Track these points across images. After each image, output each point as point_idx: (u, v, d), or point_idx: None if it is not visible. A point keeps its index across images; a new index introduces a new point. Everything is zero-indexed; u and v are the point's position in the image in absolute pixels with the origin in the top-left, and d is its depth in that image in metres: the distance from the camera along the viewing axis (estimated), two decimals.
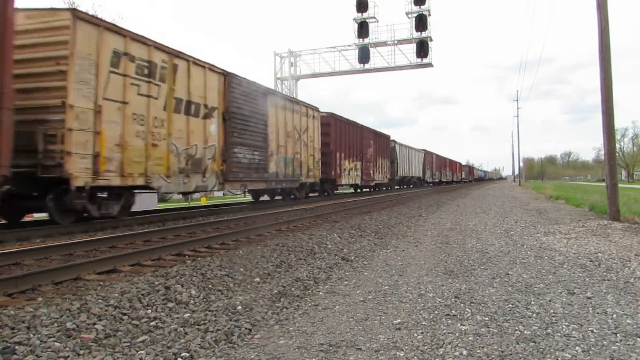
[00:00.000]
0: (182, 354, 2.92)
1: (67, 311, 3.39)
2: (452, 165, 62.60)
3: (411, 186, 39.89)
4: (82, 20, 8.04)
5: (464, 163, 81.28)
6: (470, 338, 3.20)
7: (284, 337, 3.28)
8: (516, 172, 77.99)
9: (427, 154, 44.13)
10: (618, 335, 3.25)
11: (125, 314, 3.48)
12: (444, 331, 3.35)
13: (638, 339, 3.17)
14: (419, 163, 40.10)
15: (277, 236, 7.90)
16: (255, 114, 13.71)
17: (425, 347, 3.03)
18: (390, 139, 30.97)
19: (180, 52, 10.44)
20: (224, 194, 31.75)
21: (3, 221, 9.01)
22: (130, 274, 4.91)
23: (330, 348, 3.05)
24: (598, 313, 3.77)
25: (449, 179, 58.78)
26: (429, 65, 26.75)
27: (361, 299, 4.26)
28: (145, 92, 9.35)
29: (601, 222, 10.19)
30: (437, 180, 49.46)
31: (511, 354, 2.91)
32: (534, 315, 3.71)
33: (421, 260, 6.12)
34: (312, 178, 17.96)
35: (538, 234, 8.76)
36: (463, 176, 74.84)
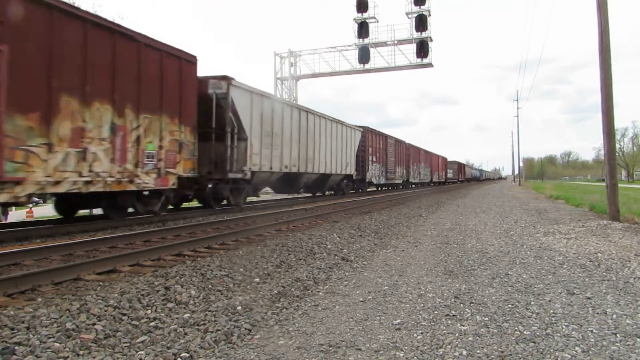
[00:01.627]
0: (181, 354, 2.92)
1: (67, 311, 3.39)
2: (431, 159, 44.72)
3: (305, 195, 21.10)
4: None
5: (450, 159, 61.81)
6: (470, 338, 3.20)
7: (283, 338, 3.28)
8: (516, 172, 77.56)
9: (372, 135, 25.78)
10: (618, 335, 3.25)
11: (125, 315, 3.48)
12: (444, 331, 3.35)
13: (638, 339, 3.17)
14: (346, 149, 21.67)
15: (276, 236, 7.90)
16: None
17: (425, 348, 3.03)
18: (215, 76, 12.08)
19: None
20: None
21: None
22: (130, 275, 4.91)
23: (330, 348, 3.05)
24: (598, 313, 3.77)
25: (425, 178, 41.20)
26: (429, 65, 26.78)
27: (361, 299, 4.26)
28: None
29: (601, 222, 10.19)
30: (398, 181, 32.01)
31: (511, 354, 2.91)
32: (534, 315, 3.71)
33: (421, 261, 6.12)
34: None
35: (538, 234, 8.76)
36: (450, 175, 58.14)
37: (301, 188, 19.22)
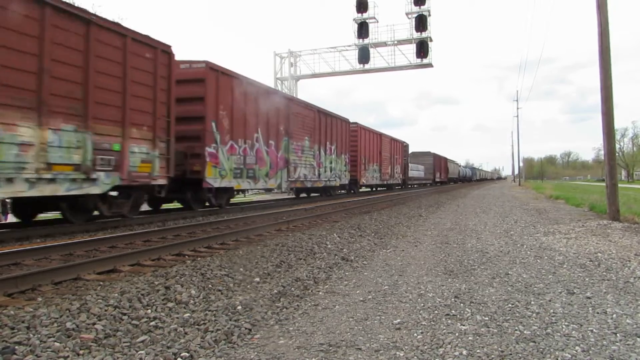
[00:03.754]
0: (182, 354, 2.92)
1: (67, 311, 3.39)
2: (367, 143, 25.05)
3: None
4: None
5: (430, 152, 44.38)
6: (470, 338, 3.20)
7: (283, 337, 3.28)
8: (516, 172, 77.36)
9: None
10: (618, 335, 3.25)
11: (125, 314, 3.48)
12: (444, 331, 3.35)
13: (638, 338, 3.17)
14: None
15: (277, 236, 7.90)
16: None
17: (425, 347, 3.03)
18: None
19: None
20: None
21: None
22: (130, 274, 4.92)
23: (330, 348, 3.05)
24: (598, 313, 3.77)
25: (339, 177, 20.95)
26: (429, 65, 26.79)
27: (361, 298, 4.26)
28: None
29: (601, 222, 10.19)
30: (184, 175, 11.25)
31: (511, 354, 2.91)
32: (534, 315, 3.71)
33: (421, 260, 6.12)
34: None
35: (538, 233, 8.76)
36: (417, 174, 38.56)
37: None
